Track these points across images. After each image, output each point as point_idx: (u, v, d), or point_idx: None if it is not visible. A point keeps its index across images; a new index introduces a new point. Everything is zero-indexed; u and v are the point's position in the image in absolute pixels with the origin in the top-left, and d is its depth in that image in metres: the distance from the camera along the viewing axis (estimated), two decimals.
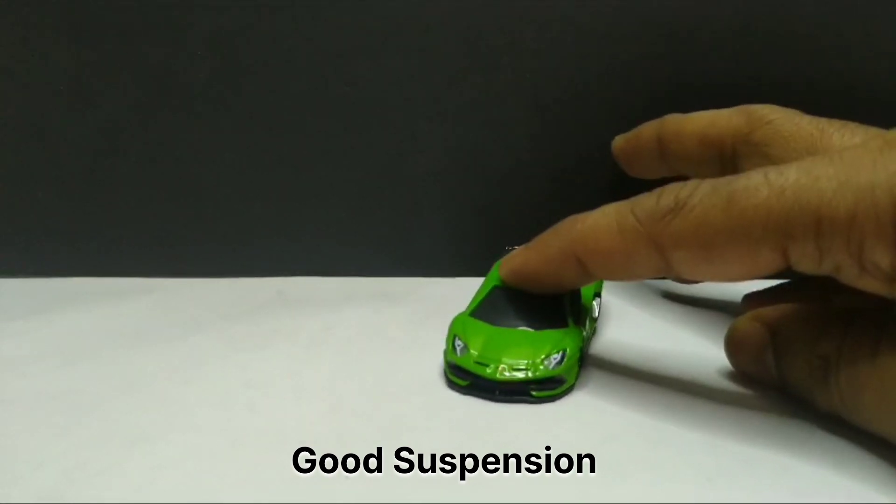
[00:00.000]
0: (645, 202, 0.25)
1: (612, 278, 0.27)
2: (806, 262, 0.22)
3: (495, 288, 0.29)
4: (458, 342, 0.27)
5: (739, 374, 0.28)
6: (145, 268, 0.38)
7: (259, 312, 0.34)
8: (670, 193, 0.24)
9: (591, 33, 0.36)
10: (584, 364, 0.29)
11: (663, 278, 0.36)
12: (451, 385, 0.27)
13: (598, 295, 0.32)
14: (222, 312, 0.34)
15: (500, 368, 0.26)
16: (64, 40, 0.36)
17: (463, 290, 0.32)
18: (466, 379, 0.26)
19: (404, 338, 0.31)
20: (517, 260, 0.29)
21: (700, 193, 0.23)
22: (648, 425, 0.25)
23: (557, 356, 0.26)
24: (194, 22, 0.36)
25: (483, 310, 0.29)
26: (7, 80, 0.36)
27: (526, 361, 0.26)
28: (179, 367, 0.29)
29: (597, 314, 0.31)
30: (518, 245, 0.30)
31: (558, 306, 0.28)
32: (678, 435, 0.24)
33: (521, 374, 0.26)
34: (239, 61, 0.36)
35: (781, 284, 0.32)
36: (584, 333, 0.28)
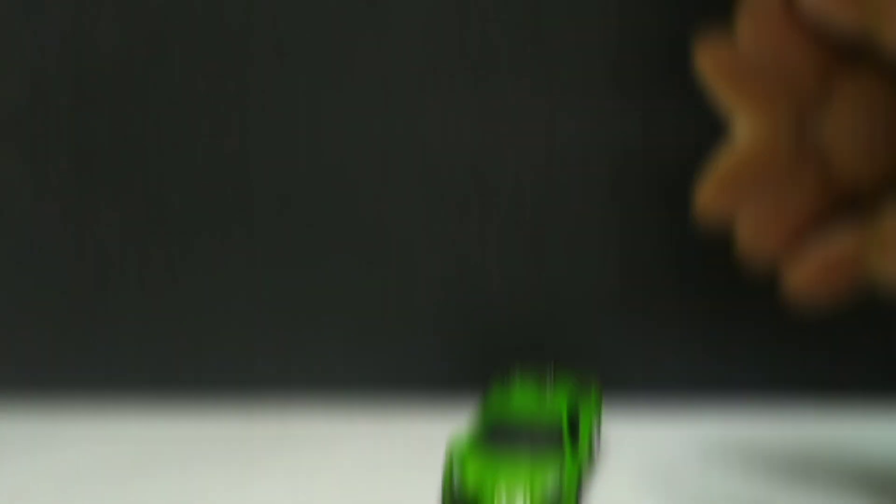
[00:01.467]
0: None
1: None
2: None
3: (492, 415, 0.29)
4: (454, 470, 0.27)
5: None
6: (140, 400, 0.38)
7: (257, 443, 0.34)
8: None
9: (593, 175, 0.37)
10: (583, 496, 0.28)
11: None
12: None
13: (598, 425, 0.31)
14: (219, 443, 0.33)
15: (496, 499, 0.25)
16: (63, 168, 0.37)
17: (461, 418, 0.31)
18: None
19: (403, 469, 0.31)
20: None
21: None
22: None
23: (556, 485, 0.26)
24: (192, 149, 0.37)
25: (480, 437, 0.28)
26: None
27: (524, 490, 0.26)
28: (176, 499, 0.28)
29: (597, 443, 0.31)
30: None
31: (557, 435, 0.28)
32: None
33: None
34: (237, 189, 0.37)
35: None
36: (583, 464, 0.28)
